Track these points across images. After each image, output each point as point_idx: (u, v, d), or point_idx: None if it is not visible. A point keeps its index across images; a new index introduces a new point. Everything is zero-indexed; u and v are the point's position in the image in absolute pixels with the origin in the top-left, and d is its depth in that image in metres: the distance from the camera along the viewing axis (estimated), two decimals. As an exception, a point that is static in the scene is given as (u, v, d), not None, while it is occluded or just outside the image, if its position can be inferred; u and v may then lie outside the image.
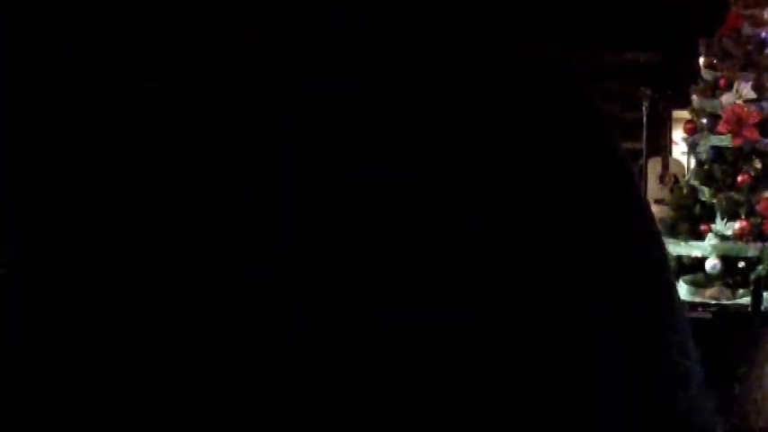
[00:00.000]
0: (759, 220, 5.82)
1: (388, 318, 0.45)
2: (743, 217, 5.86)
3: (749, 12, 6.03)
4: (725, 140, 5.95)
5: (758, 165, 5.95)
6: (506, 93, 0.49)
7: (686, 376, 0.49)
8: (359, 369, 0.45)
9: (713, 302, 5.63)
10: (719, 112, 5.96)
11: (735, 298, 5.76)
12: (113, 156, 0.46)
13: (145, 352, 0.46)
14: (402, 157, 0.46)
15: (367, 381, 0.45)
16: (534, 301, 0.46)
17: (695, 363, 0.50)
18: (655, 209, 5.49)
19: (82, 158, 0.46)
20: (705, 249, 5.83)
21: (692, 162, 6.42)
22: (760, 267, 5.77)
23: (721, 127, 5.94)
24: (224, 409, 0.45)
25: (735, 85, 5.95)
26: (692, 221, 5.96)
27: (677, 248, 5.76)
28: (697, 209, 6.00)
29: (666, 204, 6.26)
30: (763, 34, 6.01)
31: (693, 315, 5.37)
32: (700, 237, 5.88)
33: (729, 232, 5.84)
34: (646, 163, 8.35)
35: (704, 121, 6.07)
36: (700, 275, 5.75)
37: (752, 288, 5.74)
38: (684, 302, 5.16)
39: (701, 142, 6.06)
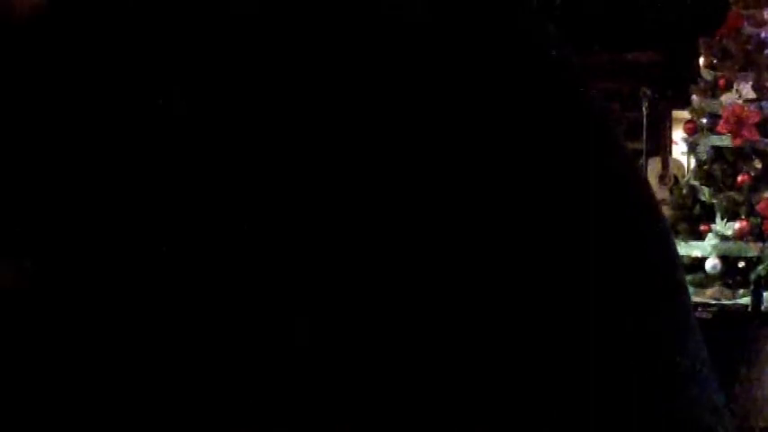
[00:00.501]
0: (759, 220, 5.82)
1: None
2: (743, 217, 5.86)
3: (749, 12, 6.02)
4: (725, 140, 5.94)
5: (758, 165, 5.95)
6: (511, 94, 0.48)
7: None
8: None
9: (713, 302, 5.62)
10: (719, 112, 5.96)
11: (735, 298, 5.75)
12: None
13: (143, 352, 0.46)
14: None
15: None
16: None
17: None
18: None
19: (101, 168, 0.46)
20: (705, 249, 5.82)
21: (692, 162, 6.41)
22: (760, 267, 5.77)
23: (721, 127, 5.93)
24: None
25: (735, 85, 5.95)
26: (692, 221, 5.96)
27: (677, 248, 5.73)
28: (697, 209, 5.99)
29: (666, 204, 6.25)
30: (763, 34, 6.00)
31: (693, 315, 5.34)
32: (700, 237, 5.87)
33: (729, 232, 5.83)
34: (646, 163, 8.34)
35: (704, 121, 6.06)
36: (700, 275, 5.74)
37: (752, 288, 5.73)
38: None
39: (701, 142, 6.05)
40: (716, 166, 6.01)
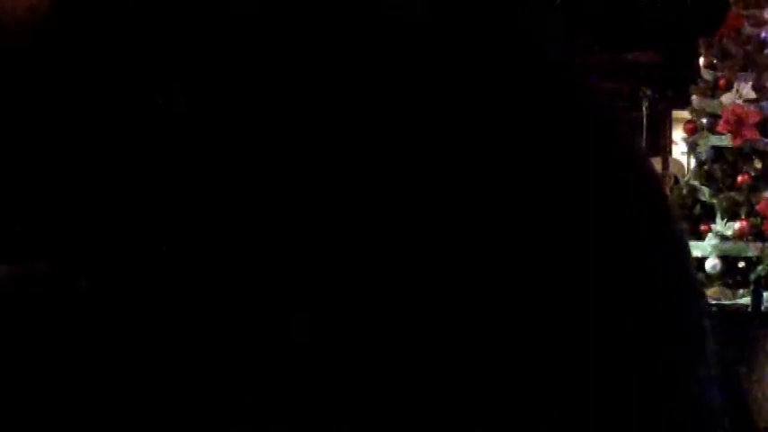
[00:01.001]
0: (759, 220, 5.82)
1: None
2: (743, 217, 5.86)
3: (749, 12, 6.02)
4: (725, 140, 5.94)
5: (758, 165, 5.95)
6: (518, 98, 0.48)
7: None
8: None
9: (713, 302, 5.62)
10: (719, 112, 5.96)
11: (735, 298, 5.75)
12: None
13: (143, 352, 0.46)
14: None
15: None
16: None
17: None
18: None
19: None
20: (705, 249, 5.82)
21: (692, 162, 6.41)
22: (760, 267, 5.77)
23: (721, 127, 5.93)
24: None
25: (735, 85, 5.95)
26: (692, 221, 5.96)
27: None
28: (697, 209, 5.99)
29: (666, 204, 6.22)
30: (763, 34, 6.00)
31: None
32: (700, 237, 5.87)
33: (729, 232, 5.83)
34: (646, 163, 8.30)
35: (704, 121, 6.06)
36: (700, 275, 5.74)
37: (752, 288, 5.73)
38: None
39: (701, 142, 6.05)
40: (716, 166, 6.01)
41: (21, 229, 0.46)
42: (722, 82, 5.99)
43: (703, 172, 6.06)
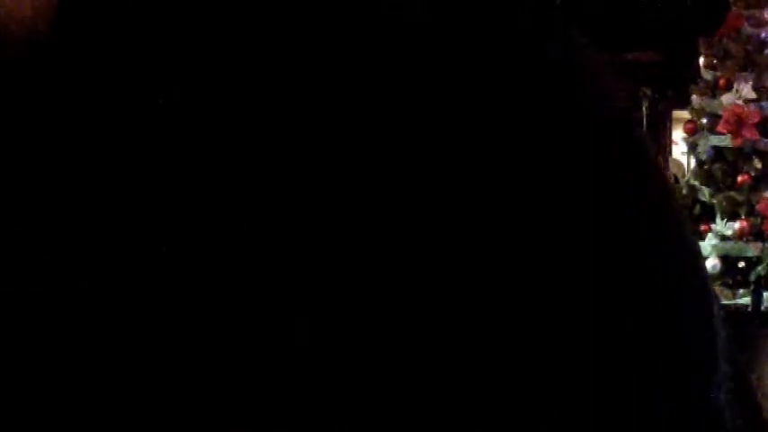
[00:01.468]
0: (759, 220, 5.82)
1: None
2: (743, 217, 5.86)
3: (749, 12, 6.02)
4: (725, 140, 5.94)
5: (758, 165, 5.95)
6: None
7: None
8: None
9: (713, 302, 5.60)
10: (719, 112, 5.96)
11: (735, 298, 5.76)
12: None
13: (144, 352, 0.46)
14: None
15: None
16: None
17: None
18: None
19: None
20: (705, 249, 5.82)
21: (692, 162, 6.41)
22: (760, 267, 5.77)
23: (721, 127, 5.93)
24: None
25: (735, 85, 5.95)
26: (692, 221, 5.95)
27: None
28: (697, 209, 5.99)
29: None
30: (763, 34, 6.00)
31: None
32: (700, 237, 5.87)
33: (729, 232, 5.83)
34: (646, 163, 8.31)
35: (704, 121, 6.07)
36: (700, 275, 5.72)
37: (752, 288, 5.73)
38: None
39: (701, 142, 6.06)
40: (716, 166, 6.01)
41: (22, 230, 0.46)
42: (722, 82, 5.99)
43: (703, 172, 6.06)
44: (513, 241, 0.46)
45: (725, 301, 5.66)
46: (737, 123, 5.86)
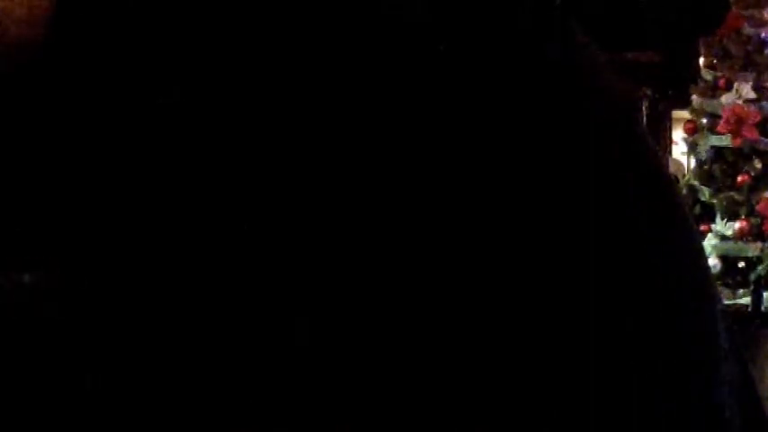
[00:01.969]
0: (759, 220, 5.82)
1: None
2: (743, 217, 5.86)
3: (749, 12, 6.02)
4: (725, 140, 5.94)
5: (758, 165, 5.95)
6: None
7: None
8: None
9: (713, 302, 5.59)
10: (719, 112, 5.95)
11: (735, 298, 5.75)
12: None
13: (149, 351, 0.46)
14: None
15: None
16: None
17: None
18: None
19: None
20: (705, 249, 5.80)
21: (692, 162, 6.41)
22: (760, 267, 5.77)
23: (721, 127, 5.93)
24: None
25: (735, 85, 5.94)
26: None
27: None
28: (697, 209, 5.99)
29: (666, 204, 6.21)
30: (763, 34, 6.00)
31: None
32: (700, 236, 5.87)
33: (729, 232, 5.83)
34: (646, 163, 8.29)
35: (704, 121, 6.06)
36: (700, 275, 5.72)
37: (752, 288, 5.73)
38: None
39: (701, 142, 6.05)
40: (716, 166, 6.01)
41: (22, 232, 0.46)
42: (722, 82, 5.99)
43: (703, 172, 6.06)
44: (514, 241, 0.46)
45: (725, 301, 5.65)
46: (737, 123, 5.86)
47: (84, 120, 0.46)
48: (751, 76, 5.96)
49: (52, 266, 0.46)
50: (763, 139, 5.93)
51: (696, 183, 6.08)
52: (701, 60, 6.18)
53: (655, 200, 0.51)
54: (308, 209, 0.46)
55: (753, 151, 5.97)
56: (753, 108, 5.90)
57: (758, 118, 5.89)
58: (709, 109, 6.05)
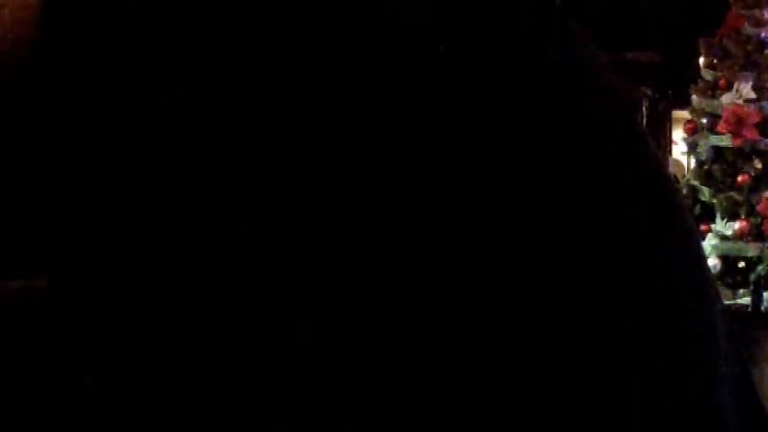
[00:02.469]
0: (759, 220, 5.82)
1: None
2: (743, 217, 5.86)
3: (749, 12, 6.02)
4: (725, 140, 5.94)
5: (758, 165, 5.95)
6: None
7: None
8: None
9: (713, 302, 5.59)
10: (719, 112, 5.96)
11: (735, 298, 5.76)
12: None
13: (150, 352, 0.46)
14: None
15: None
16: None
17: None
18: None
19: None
20: (705, 249, 5.81)
21: (692, 162, 6.41)
22: (760, 267, 5.77)
23: (721, 127, 5.93)
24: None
25: (735, 85, 5.95)
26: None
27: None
28: (697, 209, 5.99)
29: (666, 204, 6.21)
30: (763, 34, 6.00)
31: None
32: (700, 237, 5.87)
33: (729, 232, 5.83)
34: (646, 163, 8.28)
35: (704, 121, 6.07)
36: (700, 275, 5.71)
37: (752, 288, 5.73)
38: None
39: (701, 142, 6.06)
40: (716, 166, 6.01)
41: (23, 233, 0.46)
42: (722, 82, 5.99)
43: (703, 172, 6.06)
44: (513, 241, 0.46)
45: (725, 302, 5.65)
46: (737, 123, 5.86)
47: (84, 120, 0.46)
48: (751, 76, 5.97)
49: (52, 267, 0.46)
50: (763, 139, 5.93)
51: (696, 183, 6.09)
52: (701, 60, 6.18)
53: (655, 200, 0.51)
54: (308, 209, 0.46)
55: (753, 151, 5.97)
56: (753, 108, 5.90)
57: (758, 118, 5.89)
58: (709, 109, 6.06)
